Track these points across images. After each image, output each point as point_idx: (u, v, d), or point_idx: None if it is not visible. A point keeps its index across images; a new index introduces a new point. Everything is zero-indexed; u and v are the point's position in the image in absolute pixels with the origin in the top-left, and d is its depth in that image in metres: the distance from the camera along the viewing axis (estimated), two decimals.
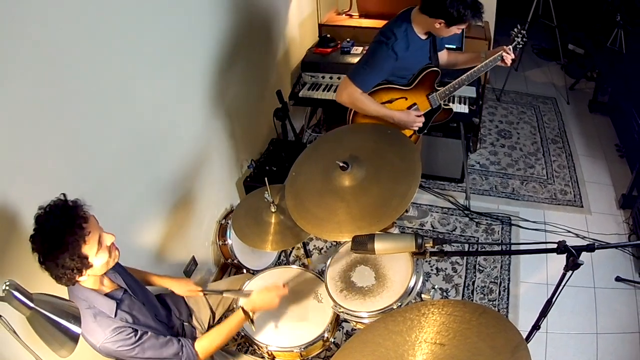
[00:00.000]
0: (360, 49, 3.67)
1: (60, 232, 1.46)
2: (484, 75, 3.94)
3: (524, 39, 2.55)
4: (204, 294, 2.20)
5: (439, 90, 2.60)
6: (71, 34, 1.76)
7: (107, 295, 1.67)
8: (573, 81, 5.16)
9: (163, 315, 1.98)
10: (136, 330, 1.63)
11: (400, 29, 2.35)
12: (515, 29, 2.56)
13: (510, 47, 2.49)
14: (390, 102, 2.55)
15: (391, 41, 2.33)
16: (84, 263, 1.52)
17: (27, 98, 1.63)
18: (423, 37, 2.42)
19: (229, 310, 2.35)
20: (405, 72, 2.51)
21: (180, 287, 2.16)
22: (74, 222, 1.50)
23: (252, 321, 1.89)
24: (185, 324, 2.10)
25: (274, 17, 3.57)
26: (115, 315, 1.64)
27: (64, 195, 1.56)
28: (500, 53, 2.47)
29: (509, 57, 2.47)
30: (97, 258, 1.57)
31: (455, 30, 2.31)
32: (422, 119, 2.59)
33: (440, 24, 2.26)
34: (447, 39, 3.11)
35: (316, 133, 4.47)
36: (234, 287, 2.30)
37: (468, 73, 2.50)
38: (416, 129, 2.61)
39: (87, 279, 1.60)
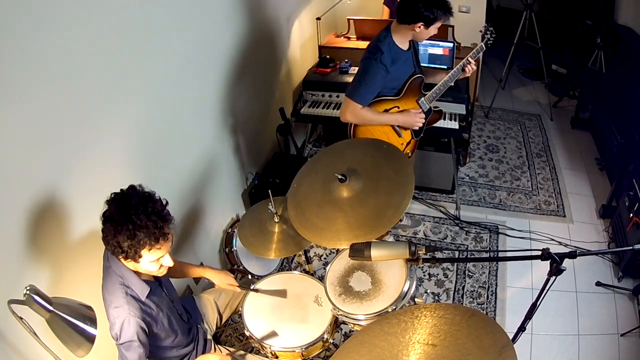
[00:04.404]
0: (357, 69, 3.68)
1: (140, 224, 1.45)
2: (473, 93, 3.96)
3: (493, 35, 2.65)
4: (240, 289, 2.15)
5: (426, 94, 2.68)
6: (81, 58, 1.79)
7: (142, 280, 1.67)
8: (556, 99, 5.18)
9: (185, 316, 1.98)
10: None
11: (384, 43, 2.43)
12: (483, 27, 2.67)
13: (482, 44, 2.61)
14: (384, 112, 2.59)
15: (378, 55, 2.41)
16: (133, 257, 1.51)
17: (28, 110, 1.61)
18: (405, 47, 2.49)
19: (235, 313, 2.36)
20: (395, 84, 2.57)
21: (221, 279, 2.12)
22: (158, 230, 1.49)
23: None
24: (198, 326, 2.10)
25: (278, 39, 3.61)
26: (145, 299, 1.64)
27: (167, 201, 1.57)
28: (463, 62, 2.58)
29: (470, 67, 2.59)
30: (147, 264, 1.57)
31: (433, 30, 2.41)
32: (423, 116, 2.67)
33: (420, 27, 2.36)
34: (438, 61, 3.14)
35: (316, 147, 4.49)
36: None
37: (447, 76, 2.61)
38: (420, 125, 2.67)
39: (129, 263, 1.59)
